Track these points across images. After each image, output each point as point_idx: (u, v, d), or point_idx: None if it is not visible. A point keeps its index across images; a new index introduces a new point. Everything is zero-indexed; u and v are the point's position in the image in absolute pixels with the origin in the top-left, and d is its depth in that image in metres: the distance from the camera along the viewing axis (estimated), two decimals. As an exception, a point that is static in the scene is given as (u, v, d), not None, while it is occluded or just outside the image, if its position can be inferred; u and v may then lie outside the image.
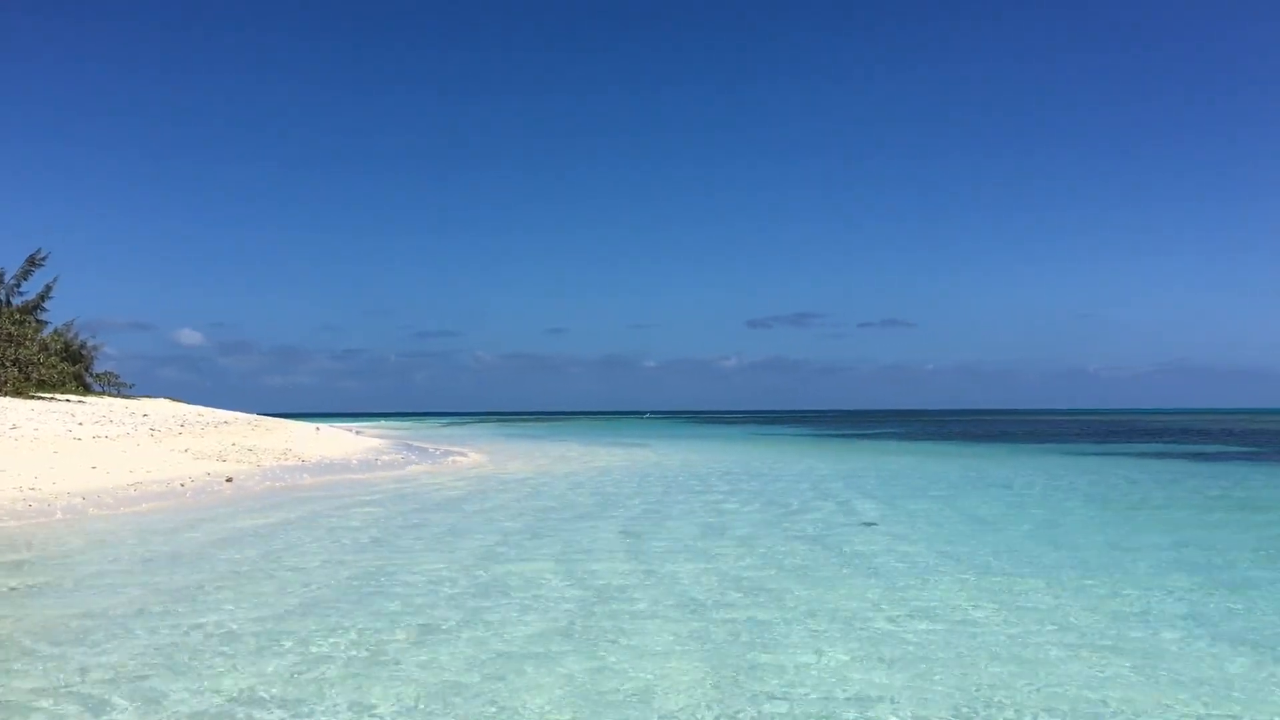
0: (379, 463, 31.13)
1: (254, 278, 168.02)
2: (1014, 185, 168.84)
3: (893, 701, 6.58)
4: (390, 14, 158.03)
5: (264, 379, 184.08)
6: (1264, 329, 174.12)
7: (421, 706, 6.51)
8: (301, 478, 24.61)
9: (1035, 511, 17.58)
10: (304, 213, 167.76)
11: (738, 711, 6.41)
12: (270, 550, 12.87)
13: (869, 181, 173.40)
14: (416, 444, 45.51)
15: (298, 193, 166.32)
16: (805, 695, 6.72)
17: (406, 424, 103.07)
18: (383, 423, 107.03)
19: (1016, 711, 6.40)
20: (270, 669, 7.30)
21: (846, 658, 7.62)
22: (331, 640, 8.13)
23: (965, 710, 6.43)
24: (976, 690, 6.81)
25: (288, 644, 8.00)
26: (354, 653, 7.76)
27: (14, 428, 25.98)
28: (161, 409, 43.69)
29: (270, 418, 50.24)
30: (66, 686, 6.86)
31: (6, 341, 41.98)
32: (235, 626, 8.58)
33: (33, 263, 49.24)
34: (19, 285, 49.17)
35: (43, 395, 41.29)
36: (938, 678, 7.10)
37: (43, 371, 44.04)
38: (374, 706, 6.50)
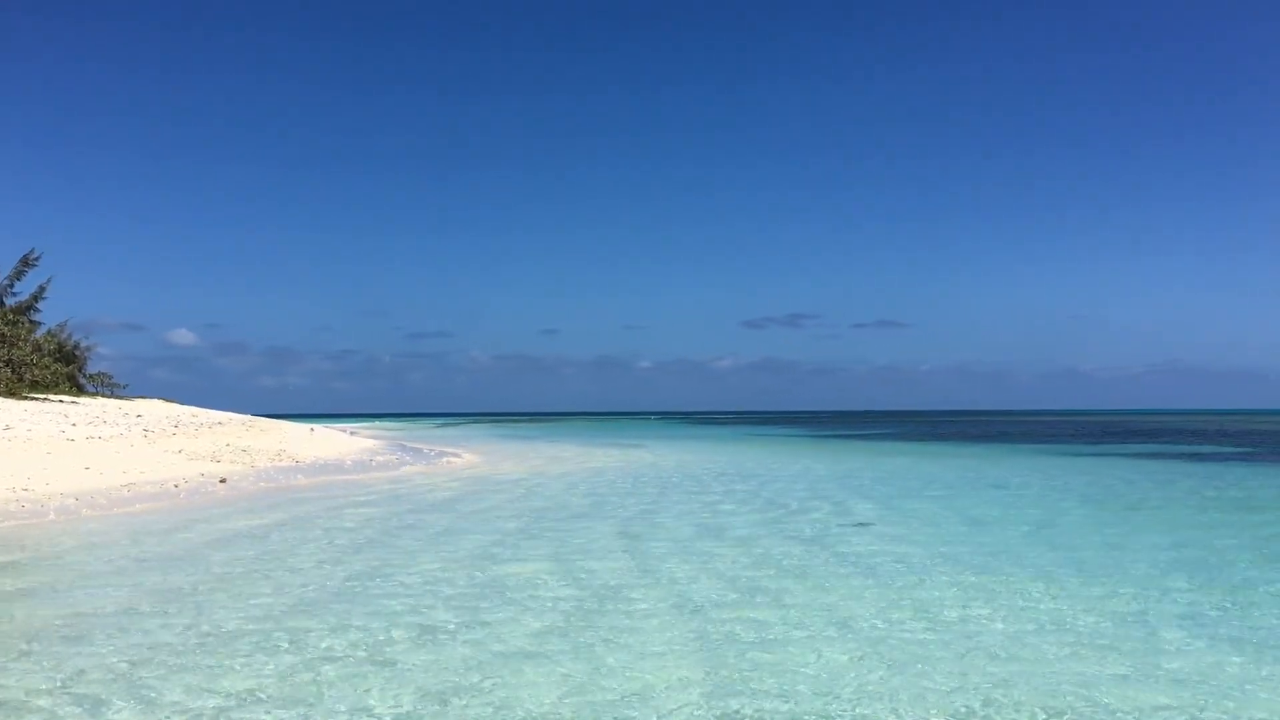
0: (373, 463, 31.07)
1: (248, 278, 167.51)
2: (1009, 186, 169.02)
3: (891, 701, 6.56)
4: (390, 14, 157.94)
5: (258, 380, 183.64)
6: (1258, 330, 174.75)
7: (418, 707, 6.47)
8: (296, 478, 24.55)
9: (1032, 512, 17.57)
10: (300, 213, 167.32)
11: (735, 712, 6.38)
12: (265, 551, 12.82)
13: (863, 182, 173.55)
14: (411, 445, 45.44)
15: (294, 193, 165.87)
16: (803, 696, 6.70)
17: (401, 425, 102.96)
18: (377, 424, 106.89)
19: (1015, 712, 6.38)
20: (265, 670, 7.25)
21: (844, 658, 7.60)
22: (327, 641, 8.08)
23: (963, 710, 6.40)
24: (975, 690, 6.79)
25: (283, 645, 7.95)
26: (350, 653, 7.72)
27: (7, 428, 25.89)
28: (155, 410, 43.58)
29: (264, 418, 50.12)
30: (60, 687, 6.81)
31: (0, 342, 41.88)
32: (229, 627, 8.53)
33: (26, 263, 49.16)
34: (12, 286, 49.13)
35: (36, 396, 41.16)
36: (935, 678, 7.08)
37: (36, 372, 43.89)
38: (371, 707, 6.46)
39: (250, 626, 8.56)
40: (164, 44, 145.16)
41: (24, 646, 7.85)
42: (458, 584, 10.59)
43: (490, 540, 13.87)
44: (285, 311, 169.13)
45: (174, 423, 36.32)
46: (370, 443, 45.03)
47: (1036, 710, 6.40)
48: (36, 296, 49.67)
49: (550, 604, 9.55)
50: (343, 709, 6.43)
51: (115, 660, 7.47)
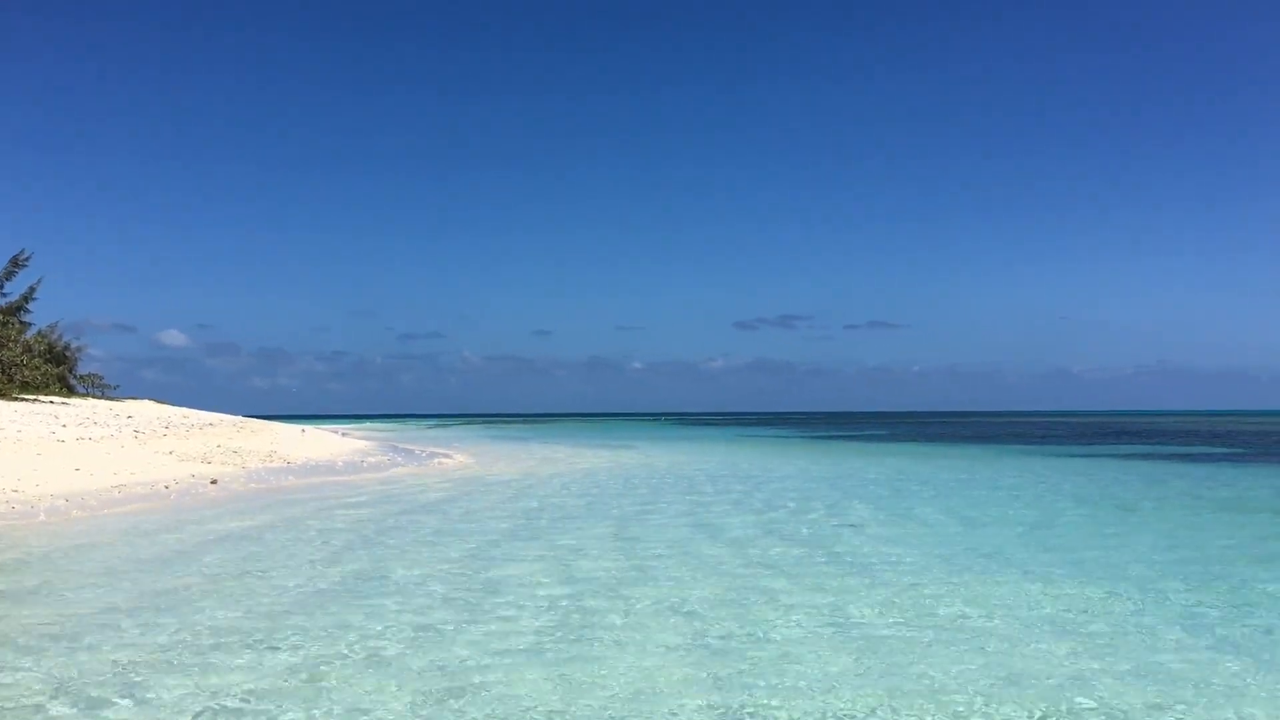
0: (364, 465, 30.98)
1: (239, 279, 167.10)
2: (1002, 187, 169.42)
3: (889, 701, 6.52)
4: (390, 14, 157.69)
5: (249, 381, 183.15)
6: (1248, 331, 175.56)
7: (414, 707, 6.41)
8: (287, 480, 24.45)
9: (1026, 513, 17.57)
10: (294, 213, 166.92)
11: (734, 712, 6.34)
12: (255, 552, 12.74)
13: (855, 183, 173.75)
14: (402, 446, 45.35)
15: (288, 193, 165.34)
16: (801, 696, 6.65)
17: (392, 426, 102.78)
18: (368, 425, 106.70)
19: (1013, 711, 6.35)
20: (256, 671, 7.18)
21: (841, 658, 7.56)
22: (320, 641, 8.02)
23: (962, 711, 6.37)
24: (974, 690, 6.75)
25: (274, 645, 7.88)
26: (345, 653, 7.65)
27: (-4, 429, 25.74)
28: (146, 411, 43.42)
29: (256, 420, 50.00)
30: (51, 687, 6.73)
31: (-11, 343, 41.70)
32: (220, 628, 8.46)
33: (16, 264, 48.94)
34: (2, 287, 48.88)
35: (26, 397, 40.97)
36: (933, 679, 7.04)
37: (26, 373, 43.73)
38: (368, 709, 6.40)
39: (241, 627, 8.49)
40: (163, 44, 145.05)
41: (13, 647, 7.77)
42: (449, 585, 10.52)
43: (481, 542, 13.81)
44: (277, 312, 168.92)
45: (165, 424, 36.17)
46: (361, 444, 44.94)
47: (1034, 710, 6.37)
48: (27, 297, 49.46)
49: (546, 604, 9.49)
50: (338, 709, 6.37)
51: (106, 660, 7.40)
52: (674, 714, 6.32)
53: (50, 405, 38.57)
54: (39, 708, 6.38)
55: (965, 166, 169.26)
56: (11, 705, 6.42)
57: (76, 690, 6.72)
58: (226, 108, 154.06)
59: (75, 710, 6.34)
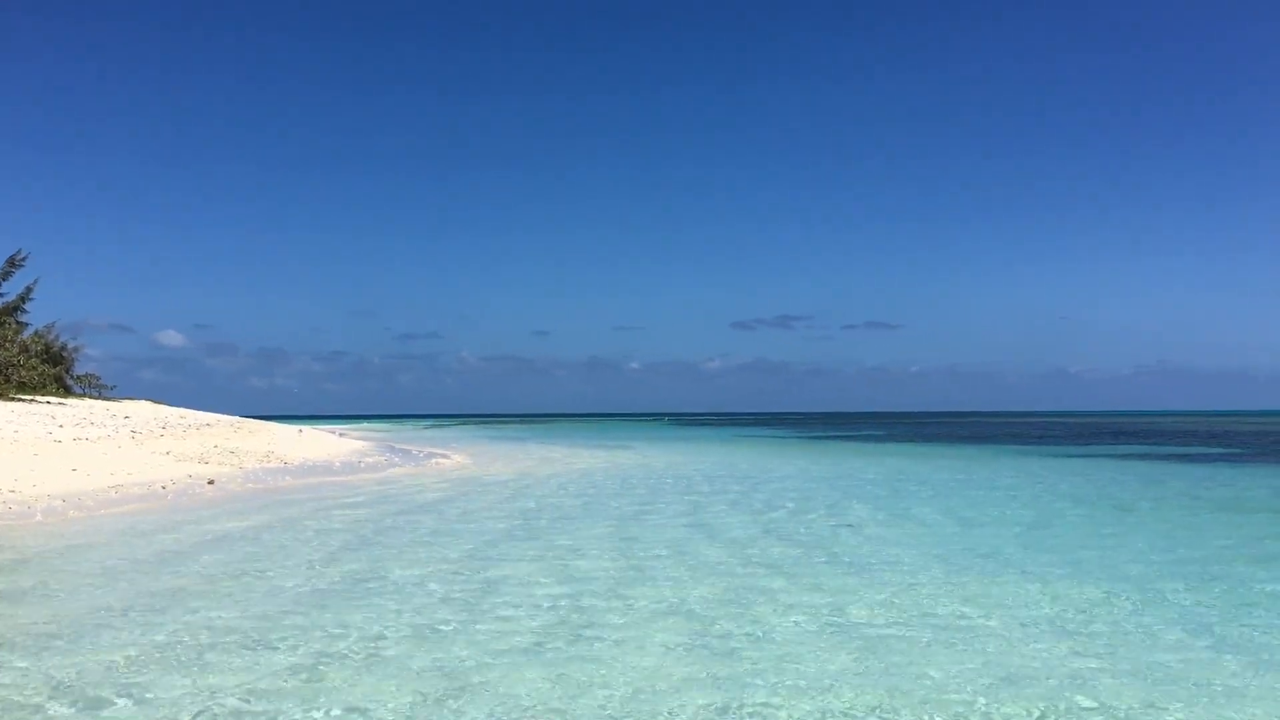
0: (362, 465, 30.95)
1: (238, 279, 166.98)
2: (1001, 187, 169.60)
3: (888, 702, 6.51)
4: (390, 14, 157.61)
5: (247, 381, 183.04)
6: (1247, 331, 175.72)
7: (413, 707, 6.40)
8: (284, 480, 24.43)
9: (1024, 513, 17.57)
10: (293, 213, 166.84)
11: (732, 712, 6.33)
12: (252, 552, 12.72)
13: (853, 183, 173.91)
14: (400, 446, 45.31)
15: (287, 193, 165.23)
16: (801, 695, 6.64)
17: (390, 426, 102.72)
18: (366, 425, 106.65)
19: (1011, 711, 6.34)
20: (254, 670, 7.17)
21: (840, 658, 7.55)
22: (318, 641, 8.00)
23: (960, 710, 6.36)
24: (972, 690, 6.75)
25: (272, 646, 7.87)
26: (343, 653, 7.64)
27: (-7, 429, 25.70)
28: (143, 411, 43.36)
29: (253, 420, 49.95)
30: (48, 687, 6.71)
31: (-14, 343, 41.66)
32: (218, 628, 8.44)
33: (13, 264, 48.89)
34: (-1, 286, 48.82)
35: (23, 397, 40.90)
36: (932, 678, 7.03)
37: (23, 373, 43.67)
38: (367, 709, 6.38)
39: (238, 627, 8.47)
40: (163, 44, 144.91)
41: (11, 648, 7.75)
42: (446, 585, 10.51)
43: (479, 542, 13.80)
44: (275, 312, 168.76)
45: (162, 424, 36.13)
46: (359, 444, 44.91)
47: (1033, 710, 6.36)
48: (24, 297, 49.43)
49: (545, 604, 9.48)
50: (337, 709, 6.35)
51: (103, 660, 7.38)
52: (674, 714, 6.31)
53: (47, 405, 38.51)
54: (37, 708, 6.36)
55: (965, 166, 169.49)
56: (10, 705, 6.40)
57: (74, 690, 6.70)
58: (226, 108, 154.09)
59: (73, 710, 6.32)
